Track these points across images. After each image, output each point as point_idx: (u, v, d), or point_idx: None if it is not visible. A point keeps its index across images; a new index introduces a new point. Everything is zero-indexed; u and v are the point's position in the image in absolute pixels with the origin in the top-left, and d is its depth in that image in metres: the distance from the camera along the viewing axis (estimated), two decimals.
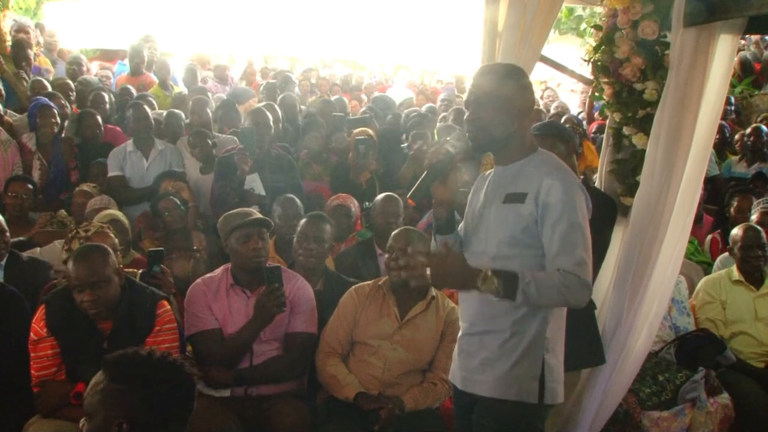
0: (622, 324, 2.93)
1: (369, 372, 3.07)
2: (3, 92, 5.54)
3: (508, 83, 2.12)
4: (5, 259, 3.49)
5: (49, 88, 5.65)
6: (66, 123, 5.23)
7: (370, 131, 5.22)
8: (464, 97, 2.27)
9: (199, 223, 4.51)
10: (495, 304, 2.06)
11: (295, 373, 3.14)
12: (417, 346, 3.10)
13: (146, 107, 5.18)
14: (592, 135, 6.20)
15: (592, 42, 3.49)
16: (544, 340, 2.09)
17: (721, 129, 5.90)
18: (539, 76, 8.79)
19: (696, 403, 3.29)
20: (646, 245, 2.85)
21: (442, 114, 6.45)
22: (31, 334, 2.75)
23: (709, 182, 5.29)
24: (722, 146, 6.15)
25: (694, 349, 3.50)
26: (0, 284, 3.16)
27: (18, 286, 3.20)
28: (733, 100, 6.93)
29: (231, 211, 3.26)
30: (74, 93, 5.96)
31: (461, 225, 2.32)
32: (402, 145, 5.31)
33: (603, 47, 3.21)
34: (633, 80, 3.08)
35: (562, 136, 2.93)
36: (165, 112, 5.65)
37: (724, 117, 6.26)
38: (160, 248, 3.46)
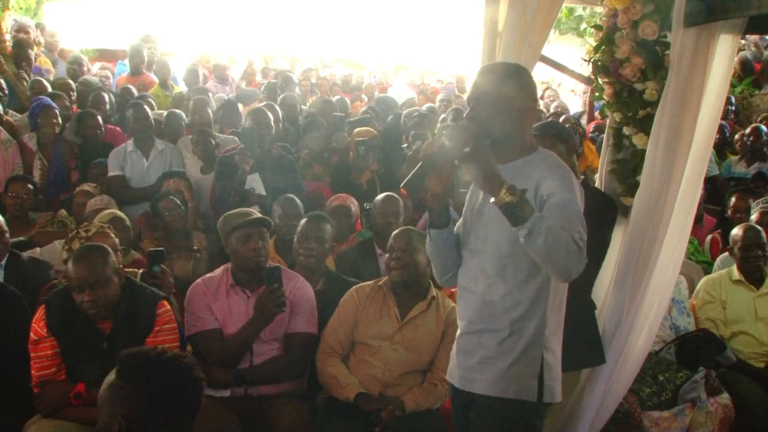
0: (622, 324, 2.92)
1: (369, 372, 3.07)
2: (6, 91, 5.55)
3: (508, 83, 2.12)
4: (5, 259, 3.49)
5: (49, 89, 5.66)
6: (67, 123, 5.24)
7: (374, 131, 5.23)
8: (464, 96, 2.27)
9: (199, 223, 4.52)
10: (494, 303, 2.06)
11: (295, 374, 3.14)
12: (417, 346, 3.10)
13: (146, 107, 5.19)
14: (590, 135, 6.20)
15: (592, 42, 3.49)
16: (542, 339, 2.09)
17: (721, 129, 5.90)
18: (540, 77, 8.79)
19: (696, 403, 3.30)
20: (647, 245, 2.85)
21: (442, 116, 6.44)
22: (31, 334, 2.75)
23: (709, 182, 5.29)
24: (722, 146, 6.16)
25: (694, 349, 3.49)
26: (0, 284, 3.16)
27: (18, 286, 3.21)
28: (733, 100, 6.93)
29: (231, 211, 3.26)
30: (75, 93, 5.96)
31: (459, 223, 2.32)
32: (403, 146, 5.31)
33: (603, 47, 3.20)
34: (633, 80, 3.08)
35: (562, 136, 2.92)
36: (165, 112, 5.65)
37: (724, 117, 6.26)
38: (160, 248, 3.46)
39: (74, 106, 5.82)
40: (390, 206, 3.98)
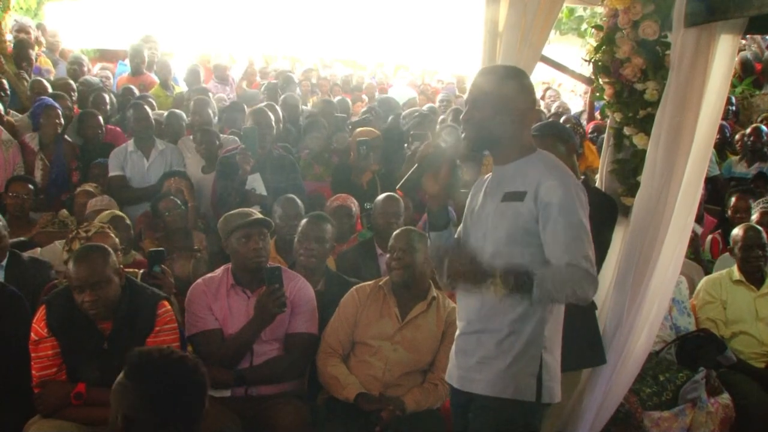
0: (622, 324, 2.92)
1: (369, 372, 3.07)
2: (8, 92, 5.55)
3: (507, 83, 2.12)
4: (6, 260, 3.50)
5: (50, 89, 5.66)
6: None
7: (376, 131, 5.22)
8: (465, 96, 2.28)
9: (199, 223, 4.52)
10: (492, 302, 2.06)
11: (296, 374, 3.14)
12: (418, 346, 3.10)
13: (147, 107, 5.19)
14: (589, 136, 6.19)
15: (592, 42, 3.49)
16: (541, 339, 2.09)
17: (721, 129, 5.90)
18: (541, 77, 8.78)
19: (697, 403, 3.29)
20: (647, 245, 2.84)
21: (441, 116, 6.44)
22: (32, 334, 2.75)
23: (710, 182, 5.29)
24: (723, 146, 6.15)
25: (694, 349, 3.49)
26: (0, 284, 3.16)
27: (18, 287, 3.20)
28: (733, 100, 6.93)
29: (231, 211, 3.26)
30: (76, 93, 5.96)
31: (459, 228, 2.32)
32: (404, 145, 5.31)
33: (604, 47, 3.20)
34: (634, 80, 3.08)
35: (562, 137, 2.92)
36: (166, 113, 5.65)
37: (725, 117, 6.26)
38: (161, 248, 3.46)
39: (75, 107, 5.82)
40: (391, 206, 3.98)
